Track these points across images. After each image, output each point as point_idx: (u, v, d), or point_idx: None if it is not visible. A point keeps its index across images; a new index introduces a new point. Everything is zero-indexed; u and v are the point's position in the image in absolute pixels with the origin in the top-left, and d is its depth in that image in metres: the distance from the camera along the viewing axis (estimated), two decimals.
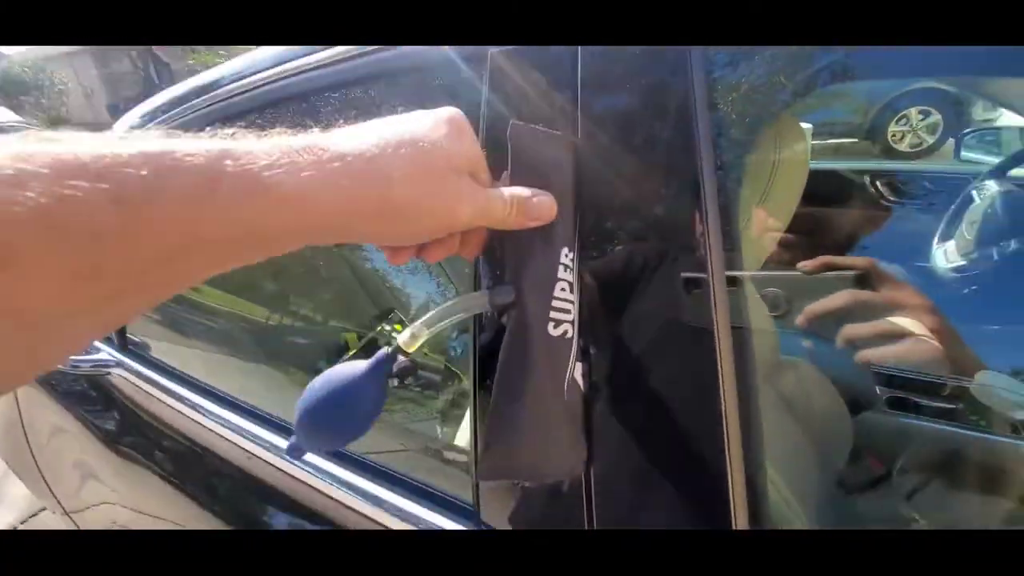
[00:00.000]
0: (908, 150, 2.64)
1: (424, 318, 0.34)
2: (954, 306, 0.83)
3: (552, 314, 0.34)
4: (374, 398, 0.34)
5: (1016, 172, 0.93)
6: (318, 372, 1.07)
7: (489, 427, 0.33)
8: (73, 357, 0.91)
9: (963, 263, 0.84)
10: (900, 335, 0.37)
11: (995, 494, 0.52)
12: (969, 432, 0.57)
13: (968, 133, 1.27)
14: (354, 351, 0.97)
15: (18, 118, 9.59)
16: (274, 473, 0.67)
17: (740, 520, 0.35)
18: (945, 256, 0.88)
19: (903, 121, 2.61)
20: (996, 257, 0.80)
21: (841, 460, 0.54)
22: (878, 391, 0.59)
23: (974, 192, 0.93)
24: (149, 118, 0.90)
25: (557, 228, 0.35)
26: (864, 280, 0.36)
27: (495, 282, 0.38)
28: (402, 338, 0.34)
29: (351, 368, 0.34)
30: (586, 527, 0.40)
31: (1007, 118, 1.58)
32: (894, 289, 0.37)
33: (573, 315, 0.36)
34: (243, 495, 0.73)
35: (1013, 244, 0.79)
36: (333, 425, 0.34)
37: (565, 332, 0.35)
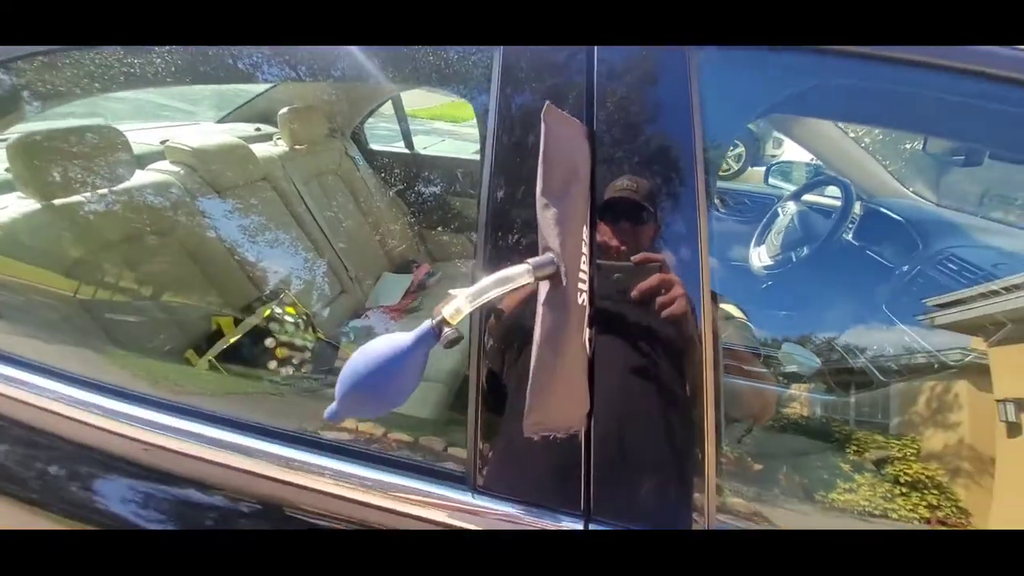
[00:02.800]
0: (719, 174, 3.19)
1: (468, 291, 0.33)
2: (763, 294, 1.07)
3: (579, 284, 0.36)
4: (416, 370, 0.33)
5: (807, 197, 1.21)
6: (188, 361, 0.86)
7: (533, 388, 0.33)
8: None
9: (771, 263, 1.10)
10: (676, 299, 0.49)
11: (791, 433, 0.69)
12: (775, 388, 0.76)
13: (772, 165, 1.61)
14: (235, 336, 0.85)
15: None
16: (178, 459, 0.54)
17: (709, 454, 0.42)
18: (759, 257, 1.13)
19: None
20: (793, 260, 1.06)
21: None
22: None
23: (779, 210, 1.20)
24: None
25: (580, 208, 0.38)
26: (662, 267, 0.47)
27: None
28: (447, 311, 0.33)
29: (394, 342, 0.32)
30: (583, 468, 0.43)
31: (790, 152, 2.03)
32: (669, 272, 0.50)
33: (586, 285, 0.38)
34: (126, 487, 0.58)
35: (805, 251, 1.05)
36: (376, 394, 0.33)
37: (583, 300, 0.37)
